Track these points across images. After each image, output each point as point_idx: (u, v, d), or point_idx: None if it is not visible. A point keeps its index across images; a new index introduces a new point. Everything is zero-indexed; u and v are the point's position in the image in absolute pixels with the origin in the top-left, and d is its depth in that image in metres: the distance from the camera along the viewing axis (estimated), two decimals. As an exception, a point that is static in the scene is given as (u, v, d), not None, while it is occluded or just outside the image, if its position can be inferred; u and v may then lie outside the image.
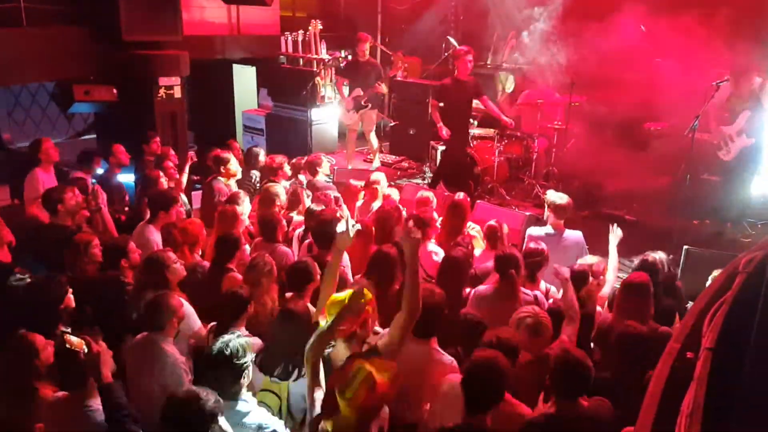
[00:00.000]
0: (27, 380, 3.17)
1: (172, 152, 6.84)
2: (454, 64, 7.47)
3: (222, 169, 6.36)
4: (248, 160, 7.01)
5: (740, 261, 1.67)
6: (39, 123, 10.88)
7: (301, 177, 6.72)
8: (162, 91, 7.75)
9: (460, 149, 7.66)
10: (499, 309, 3.93)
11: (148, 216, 5.20)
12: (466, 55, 7.30)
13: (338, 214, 5.00)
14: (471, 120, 7.81)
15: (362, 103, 8.58)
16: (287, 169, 6.60)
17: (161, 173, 6.08)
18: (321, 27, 9.60)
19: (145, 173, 6.27)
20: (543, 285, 4.59)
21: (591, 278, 4.22)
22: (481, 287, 4.33)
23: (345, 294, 2.98)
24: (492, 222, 5.20)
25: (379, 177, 6.34)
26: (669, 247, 5.89)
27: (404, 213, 5.79)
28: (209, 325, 3.87)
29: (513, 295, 4.11)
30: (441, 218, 5.58)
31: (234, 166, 6.44)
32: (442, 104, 7.49)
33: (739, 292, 1.51)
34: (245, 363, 3.00)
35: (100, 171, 6.72)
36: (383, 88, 8.65)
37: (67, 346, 2.85)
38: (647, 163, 7.59)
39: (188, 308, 3.93)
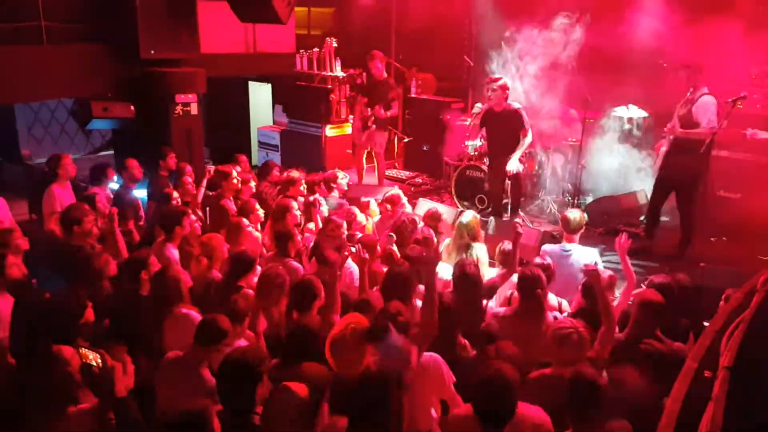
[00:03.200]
0: (64, 392, 3.16)
1: (189, 168, 6.91)
2: (489, 96, 7.12)
3: (223, 184, 6.42)
4: (264, 173, 7.06)
5: (758, 279, 1.66)
6: (57, 139, 11.06)
7: (318, 196, 6.73)
8: (179, 108, 7.85)
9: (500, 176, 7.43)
10: (523, 329, 3.92)
11: (162, 235, 5.24)
12: (502, 89, 7.00)
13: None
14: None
15: (369, 124, 8.60)
16: (303, 184, 6.65)
17: (173, 191, 6.16)
18: (336, 45, 9.68)
19: (160, 190, 6.35)
20: (554, 299, 4.56)
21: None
22: (499, 308, 4.30)
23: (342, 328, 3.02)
24: (505, 245, 5.17)
25: (398, 193, 6.35)
26: (685, 264, 5.86)
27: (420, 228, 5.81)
28: None
29: (538, 316, 4.09)
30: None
31: (235, 180, 6.50)
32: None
33: (757, 311, 1.50)
34: (262, 372, 3.01)
35: (114, 185, 6.79)
36: (389, 113, 8.59)
37: (83, 360, 2.87)
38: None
39: (198, 318, 3.96)
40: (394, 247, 5.18)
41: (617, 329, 4.11)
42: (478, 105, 7.15)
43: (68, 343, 3.36)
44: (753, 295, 1.54)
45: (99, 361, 2.89)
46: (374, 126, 8.59)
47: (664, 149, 6.66)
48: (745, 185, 7.01)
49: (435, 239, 5.34)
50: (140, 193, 6.84)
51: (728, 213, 6.90)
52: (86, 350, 2.94)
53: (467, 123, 8.53)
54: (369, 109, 8.55)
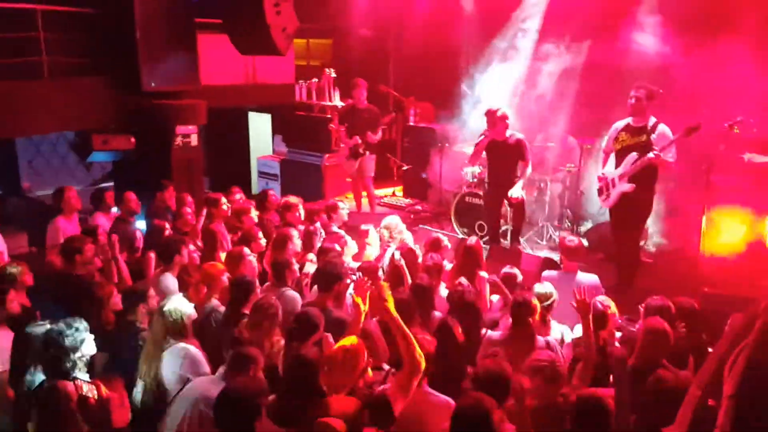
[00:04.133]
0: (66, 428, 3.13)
1: (189, 198, 6.92)
2: (489, 126, 7.00)
3: (213, 211, 6.44)
4: (261, 203, 7.06)
5: (760, 305, 1.65)
6: (58, 172, 11.10)
7: (318, 225, 6.73)
8: (179, 139, 7.90)
9: (497, 204, 7.42)
10: (513, 355, 3.89)
11: (152, 265, 5.24)
12: (502, 120, 6.91)
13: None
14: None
15: (360, 151, 8.64)
16: (301, 211, 6.66)
17: (165, 224, 6.18)
18: (334, 75, 9.79)
19: (153, 222, 6.37)
20: (557, 326, 4.54)
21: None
22: (494, 333, 4.29)
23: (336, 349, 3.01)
24: (508, 269, 5.17)
25: (395, 220, 6.36)
26: (687, 290, 5.83)
27: (420, 256, 5.80)
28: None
29: (528, 342, 4.07)
30: (454, 263, 5.59)
31: (225, 207, 6.53)
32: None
33: (760, 336, 1.49)
34: (260, 405, 2.98)
35: (115, 209, 6.82)
36: (376, 137, 8.63)
37: (79, 392, 2.85)
38: (661, 204, 7.54)
39: (196, 353, 3.93)
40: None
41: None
42: (480, 135, 7.16)
43: (66, 376, 3.35)
44: (755, 320, 1.53)
45: (94, 392, 2.86)
46: (367, 153, 8.63)
47: (618, 183, 6.20)
48: (744, 208, 7.00)
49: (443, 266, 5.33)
50: (140, 225, 6.86)
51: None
52: (82, 381, 2.92)
53: (466, 151, 8.58)
54: (356, 137, 8.61)
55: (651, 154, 5.87)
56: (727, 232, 6.98)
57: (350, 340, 3.39)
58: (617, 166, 6.24)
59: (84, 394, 2.86)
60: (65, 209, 6.28)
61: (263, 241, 5.98)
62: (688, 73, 7.22)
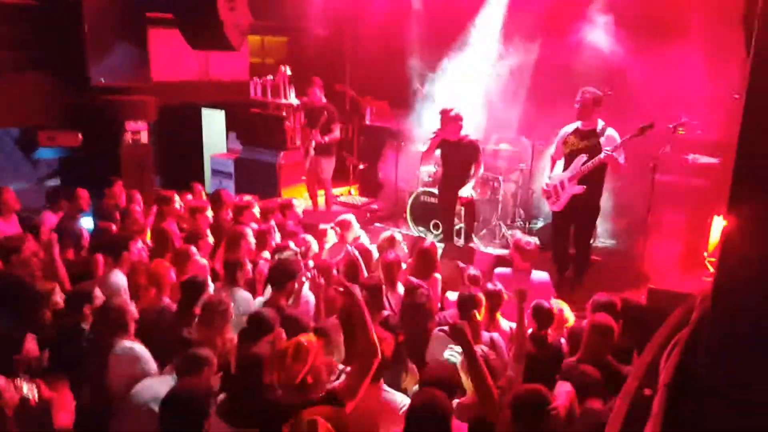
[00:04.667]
0: None
1: (138, 196, 6.78)
2: (442, 125, 7.00)
3: (164, 209, 6.34)
4: (215, 202, 6.96)
5: (697, 298, 1.71)
6: (3, 169, 10.70)
7: (273, 223, 6.67)
8: (129, 136, 7.73)
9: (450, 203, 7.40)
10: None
11: (100, 265, 5.12)
12: (456, 120, 6.90)
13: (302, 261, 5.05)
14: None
15: (309, 149, 8.60)
16: (256, 210, 6.59)
17: (112, 223, 6.04)
18: (290, 73, 9.72)
19: (99, 223, 6.23)
20: (506, 324, 4.60)
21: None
22: (438, 329, 4.34)
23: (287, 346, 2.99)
24: (472, 271, 5.23)
25: (349, 218, 6.35)
26: (634, 287, 6.00)
27: (375, 255, 5.82)
28: None
29: (473, 336, 4.11)
30: (409, 261, 5.62)
31: (177, 204, 6.42)
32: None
33: (695, 329, 1.54)
34: (208, 408, 2.94)
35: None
36: (326, 138, 8.55)
37: (19, 393, 2.76)
38: (608, 204, 7.74)
39: (144, 352, 3.86)
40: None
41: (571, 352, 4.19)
42: (431, 133, 7.20)
43: (8, 377, 3.23)
44: (691, 313, 1.59)
45: (35, 392, 2.78)
46: (313, 152, 8.58)
47: (567, 185, 6.28)
48: (689, 209, 7.24)
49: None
50: (87, 223, 6.69)
51: (673, 236, 7.11)
52: (22, 382, 2.83)
53: (420, 149, 8.63)
54: (308, 135, 8.57)
55: (603, 154, 6.00)
56: (672, 230, 7.20)
57: (305, 337, 3.38)
58: (565, 168, 6.34)
59: (24, 394, 2.77)
60: (2, 210, 6.07)
61: (211, 239, 5.89)
62: (637, 74, 7.40)
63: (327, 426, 2.57)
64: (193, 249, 5.26)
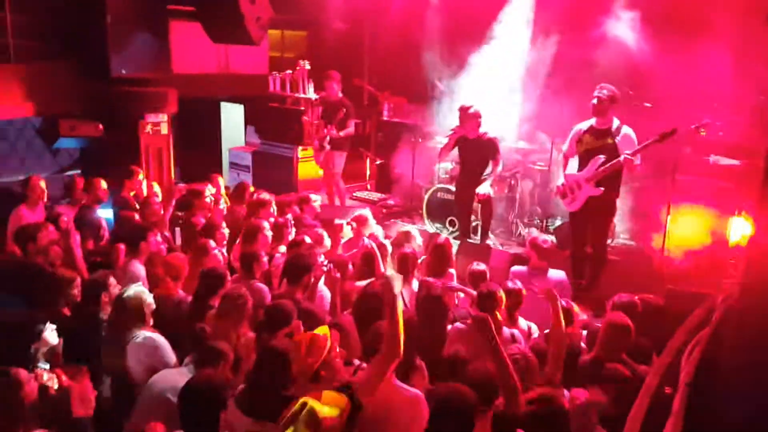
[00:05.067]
0: (9, 420, 3.06)
1: (157, 187, 6.83)
2: (461, 122, 7.04)
3: (195, 202, 6.37)
4: (237, 195, 7.00)
5: (717, 298, 1.69)
6: (24, 158, 10.84)
7: (290, 217, 6.69)
8: (149, 127, 7.79)
9: (467, 200, 7.43)
10: (479, 346, 3.91)
11: (121, 255, 5.16)
12: (475, 117, 6.91)
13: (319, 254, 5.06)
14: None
15: (323, 144, 8.60)
16: (273, 206, 6.61)
17: (134, 214, 6.09)
18: (309, 67, 9.73)
19: (120, 213, 6.26)
20: (524, 323, 4.59)
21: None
22: (460, 324, 4.32)
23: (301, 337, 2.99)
24: (476, 266, 5.20)
25: (365, 214, 6.36)
26: (652, 287, 5.94)
27: (390, 250, 5.81)
28: None
29: (496, 331, 4.10)
30: (424, 257, 5.62)
31: (208, 199, 6.45)
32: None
33: (716, 328, 1.52)
34: (225, 398, 2.96)
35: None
36: (342, 132, 8.54)
37: (39, 381, 2.80)
38: (627, 204, 7.67)
39: (163, 342, 3.89)
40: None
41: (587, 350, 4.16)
42: (450, 129, 7.19)
43: (26, 366, 3.28)
44: (712, 313, 1.57)
45: (55, 381, 2.81)
46: (329, 147, 8.58)
47: (584, 186, 6.19)
48: (708, 209, 7.15)
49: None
50: (106, 213, 6.74)
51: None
52: (42, 371, 2.87)
53: (438, 146, 8.60)
54: (323, 129, 8.57)
55: (622, 157, 5.91)
56: (691, 231, 7.12)
57: (320, 330, 3.38)
58: (581, 168, 6.25)
59: (44, 383, 2.81)
60: (30, 198, 6.14)
61: (226, 231, 5.92)
62: (660, 72, 7.29)
63: (315, 410, 2.56)
64: (212, 243, 5.29)
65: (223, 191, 7.47)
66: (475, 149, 7.08)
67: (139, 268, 5.04)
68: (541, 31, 8.30)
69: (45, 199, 6.29)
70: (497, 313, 4.19)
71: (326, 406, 2.62)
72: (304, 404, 2.58)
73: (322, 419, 2.50)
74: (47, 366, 3.47)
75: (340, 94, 8.67)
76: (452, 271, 5.46)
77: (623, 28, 7.70)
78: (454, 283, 5.36)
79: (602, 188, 6.08)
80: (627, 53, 7.63)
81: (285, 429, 2.49)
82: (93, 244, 5.86)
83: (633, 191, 7.46)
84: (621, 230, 7.97)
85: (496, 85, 8.38)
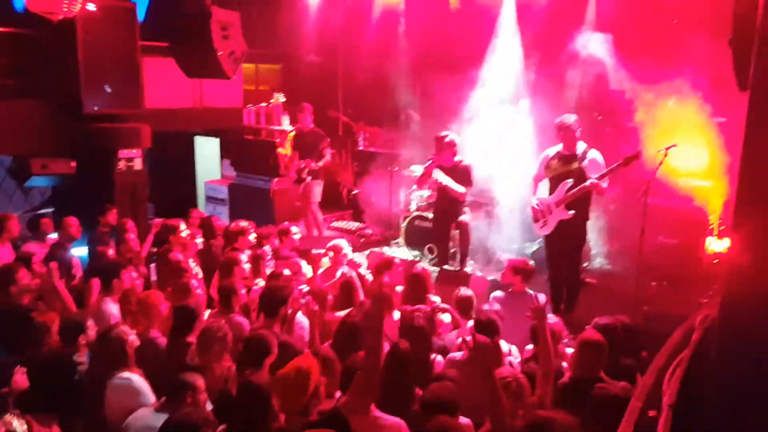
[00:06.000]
0: None
1: (131, 223, 6.74)
2: (437, 151, 7.13)
3: (170, 238, 6.30)
4: (206, 231, 6.92)
5: (696, 318, 1.70)
6: (-6, 197, 10.67)
7: (267, 248, 6.64)
8: (122, 163, 7.72)
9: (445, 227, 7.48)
10: (476, 374, 3.89)
11: (95, 292, 5.06)
12: (450, 146, 7.00)
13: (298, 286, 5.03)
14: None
15: (301, 176, 8.61)
16: (252, 236, 6.56)
17: (108, 249, 6.00)
18: (283, 99, 9.78)
19: (95, 249, 6.18)
20: (505, 346, 4.58)
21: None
22: (456, 353, 4.29)
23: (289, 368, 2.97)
24: (464, 292, 5.20)
25: (341, 243, 6.35)
26: (628, 309, 5.99)
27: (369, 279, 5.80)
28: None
29: (494, 361, 4.08)
30: (402, 287, 5.60)
31: (184, 234, 6.38)
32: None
33: (696, 348, 1.53)
34: None
35: (53, 235, 6.58)
36: (320, 163, 8.58)
37: (7, 428, 2.70)
38: (604, 226, 7.76)
39: (142, 383, 3.80)
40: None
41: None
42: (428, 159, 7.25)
43: (-2, 411, 3.18)
44: (692, 333, 1.58)
45: (24, 428, 2.71)
46: (309, 177, 8.60)
47: (555, 210, 6.25)
48: (681, 231, 7.27)
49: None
50: (80, 251, 6.64)
51: (667, 258, 7.13)
52: (11, 417, 2.77)
53: (415, 174, 8.65)
54: (299, 161, 8.59)
55: (588, 182, 6.01)
56: (666, 253, 7.22)
57: (304, 359, 3.34)
58: (550, 192, 6.34)
59: (13, 430, 2.71)
60: (3, 237, 6.04)
61: (196, 270, 5.86)
62: (629, 95, 7.45)
63: None
64: (194, 282, 5.21)
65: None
66: (451, 177, 7.13)
67: (111, 306, 4.94)
68: (513, 58, 8.45)
69: (16, 237, 6.18)
70: (497, 340, 4.19)
71: None
72: None
73: None
74: (17, 411, 3.36)
75: (311, 126, 8.72)
76: (436, 298, 5.44)
77: (595, 52, 7.84)
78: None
79: (572, 211, 6.16)
80: (598, 78, 7.79)
81: None
82: (65, 282, 5.74)
83: (607, 214, 7.56)
84: (597, 253, 8.06)
85: (470, 113, 8.49)
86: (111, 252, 6.01)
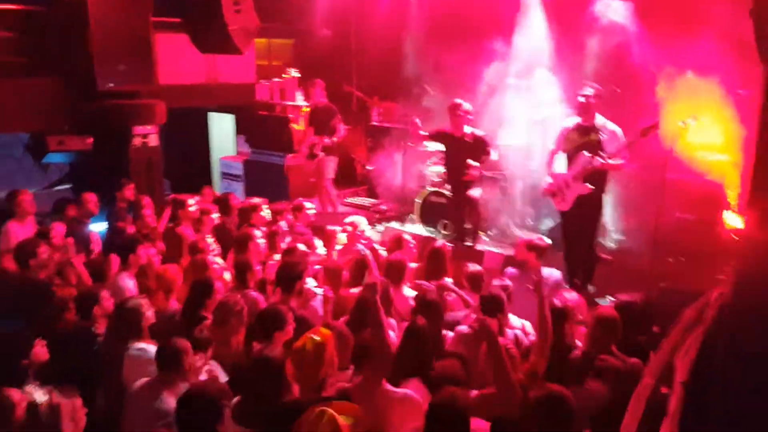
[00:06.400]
0: None
1: (148, 200, 6.80)
2: (450, 119, 7.07)
3: (179, 213, 6.34)
4: (222, 208, 6.96)
5: (711, 295, 1.69)
6: (14, 174, 10.78)
7: (282, 224, 6.66)
8: (138, 140, 7.76)
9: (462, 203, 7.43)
10: (482, 348, 3.91)
11: (114, 267, 5.12)
12: (457, 109, 6.94)
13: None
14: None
15: (313, 151, 8.58)
16: (266, 212, 6.59)
17: (126, 224, 6.06)
18: (297, 75, 9.73)
19: (114, 225, 6.24)
20: (517, 321, 4.58)
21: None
22: (462, 327, 4.31)
23: (304, 340, 2.99)
24: (472, 267, 5.19)
25: (359, 219, 6.35)
26: (645, 285, 5.95)
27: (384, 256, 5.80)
28: None
29: (499, 333, 4.10)
30: (418, 264, 5.60)
31: (192, 208, 6.43)
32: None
33: (710, 326, 1.52)
34: (222, 408, 2.94)
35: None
36: (333, 138, 8.57)
37: (29, 398, 2.77)
38: (621, 201, 7.68)
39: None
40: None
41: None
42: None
43: (17, 384, 3.24)
44: (706, 310, 1.56)
45: (46, 399, 2.78)
46: (322, 153, 8.58)
47: (572, 184, 6.15)
48: (699, 206, 7.18)
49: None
50: (99, 227, 6.71)
51: (684, 234, 7.05)
52: (33, 388, 2.84)
53: (430, 150, 8.63)
54: (312, 137, 8.58)
55: (597, 162, 5.93)
56: (683, 228, 7.14)
57: (320, 333, 3.36)
58: (568, 165, 6.26)
59: (34, 400, 2.78)
60: (18, 212, 6.11)
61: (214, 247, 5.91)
62: (650, 68, 7.28)
63: (335, 417, 2.58)
64: (210, 258, 5.25)
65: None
66: (459, 147, 7.08)
67: (128, 281, 5.01)
68: (530, 29, 8.28)
69: (33, 212, 6.26)
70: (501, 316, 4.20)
71: (343, 415, 2.64)
72: (323, 412, 2.59)
73: (342, 427, 2.52)
74: (37, 383, 3.43)
75: (324, 101, 8.68)
76: (449, 280, 5.44)
77: (615, 21, 7.62)
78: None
79: (590, 185, 6.08)
80: (618, 48, 7.60)
81: None
82: (83, 258, 5.82)
83: (625, 189, 7.46)
84: (613, 229, 7.99)
85: (487, 87, 8.38)
86: (129, 228, 6.06)
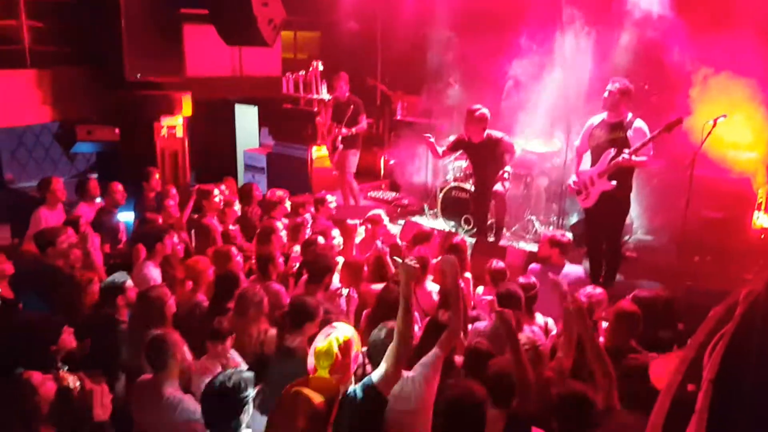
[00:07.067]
0: (27, 423, 3.09)
1: (174, 190, 6.87)
2: (466, 125, 6.99)
3: (204, 203, 6.39)
4: (244, 197, 7.01)
5: (740, 292, 1.66)
6: (42, 163, 10.97)
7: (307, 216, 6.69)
8: (164, 131, 7.85)
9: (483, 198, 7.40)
10: (499, 344, 3.90)
11: (141, 257, 5.20)
12: (481, 121, 6.82)
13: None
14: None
15: (335, 144, 8.61)
16: (287, 204, 6.62)
17: (157, 216, 6.13)
18: (321, 68, 9.75)
19: (144, 216, 6.31)
20: (541, 319, 4.56)
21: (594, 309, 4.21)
22: (479, 323, 4.30)
23: (327, 344, 3.00)
24: (496, 264, 5.17)
25: (379, 214, 6.35)
26: (670, 283, 5.88)
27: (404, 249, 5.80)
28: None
29: (517, 328, 4.08)
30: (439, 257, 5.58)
31: (217, 199, 6.47)
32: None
33: (739, 324, 1.49)
34: (246, 397, 2.97)
35: (99, 199, 6.75)
36: (353, 130, 8.56)
37: (62, 384, 2.82)
38: (647, 199, 7.59)
39: (179, 341, 3.92)
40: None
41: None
42: (451, 138, 7.15)
43: (44, 369, 3.31)
44: (735, 308, 1.54)
45: (78, 384, 2.84)
46: (342, 146, 8.60)
47: (597, 181, 6.06)
48: (727, 204, 7.07)
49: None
50: (127, 216, 6.80)
51: (711, 232, 6.94)
52: (65, 373, 2.90)
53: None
54: (334, 130, 8.60)
55: (622, 157, 5.82)
56: (710, 227, 7.04)
57: (344, 333, 3.35)
58: (593, 163, 6.15)
59: (67, 385, 2.83)
60: (50, 199, 6.21)
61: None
62: (680, 64, 7.17)
63: (310, 398, 2.62)
64: (234, 250, 5.30)
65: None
66: (482, 153, 7.02)
67: (153, 270, 5.07)
68: (560, 23, 8.18)
69: (64, 200, 6.36)
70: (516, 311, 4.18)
71: (316, 393, 2.67)
72: (297, 393, 2.64)
73: (317, 405, 2.57)
74: (65, 368, 3.50)
75: (347, 94, 8.69)
76: (468, 275, 5.41)
77: (644, 19, 7.49)
78: (470, 286, 5.33)
79: (615, 182, 6.01)
80: (647, 46, 7.48)
81: (284, 420, 2.53)
82: (110, 247, 5.91)
83: (651, 187, 7.37)
84: (638, 226, 7.90)
85: (512, 83, 8.32)
86: (159, 219, 6.13)
